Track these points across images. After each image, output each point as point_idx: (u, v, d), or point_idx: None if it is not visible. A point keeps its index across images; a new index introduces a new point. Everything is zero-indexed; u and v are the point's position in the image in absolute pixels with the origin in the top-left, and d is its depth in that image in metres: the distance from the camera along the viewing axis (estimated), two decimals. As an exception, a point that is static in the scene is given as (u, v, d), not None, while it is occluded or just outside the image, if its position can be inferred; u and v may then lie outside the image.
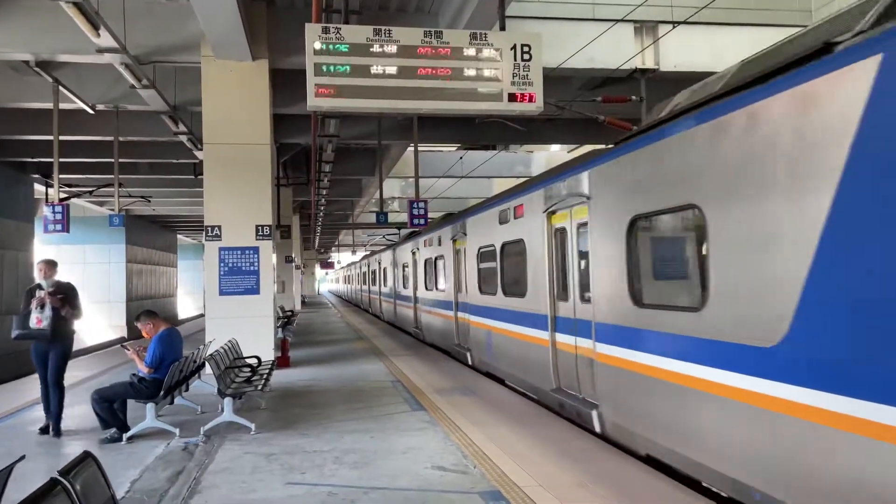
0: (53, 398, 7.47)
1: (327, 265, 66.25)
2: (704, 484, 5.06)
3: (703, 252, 4.87)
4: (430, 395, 9.27)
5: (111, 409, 7.06)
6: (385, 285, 25.28)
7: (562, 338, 7.83)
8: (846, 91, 3.64)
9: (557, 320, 7.97)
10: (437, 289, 15.24)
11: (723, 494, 4.85)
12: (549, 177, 8.31)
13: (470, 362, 12.23)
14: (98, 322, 33.27)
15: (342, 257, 67.15)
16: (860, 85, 3.55)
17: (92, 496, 3.19)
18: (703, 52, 12.80)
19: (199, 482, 5.57)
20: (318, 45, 5.53)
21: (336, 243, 56.57)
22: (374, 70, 5.60)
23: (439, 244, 14.69)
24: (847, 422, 3.58)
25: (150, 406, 7.11)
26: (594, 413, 6.78)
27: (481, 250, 11.32)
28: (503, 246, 10.04)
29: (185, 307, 52.13)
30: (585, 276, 7.07)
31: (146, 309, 8.09)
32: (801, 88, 3.97)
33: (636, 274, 5.96)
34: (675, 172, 5.20)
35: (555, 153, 26.20)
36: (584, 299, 7.14)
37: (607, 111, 13.13)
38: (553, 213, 8.07)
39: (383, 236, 50.59)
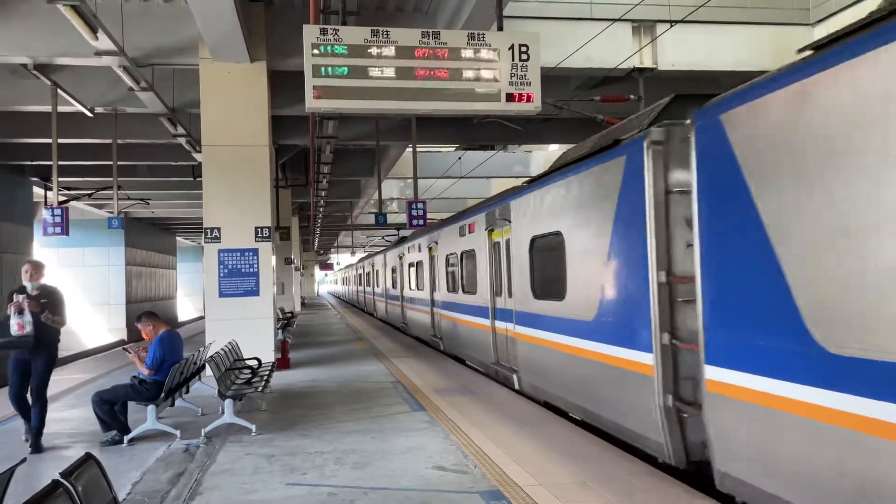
0: (34, 412, 6.86)
1: (326, 266, 66.23)
2: (572, 415, 7.65)
3: (564, 262, 7.39)
4: (430, 395, 9.28)
5: (112, 411, 7.06)
6: (378, 286, 27.45)
7: (499, 324, 10.26)
8: (612, 175, 6.15)
9: (497, 311, 10.37)
10: (418, 288, 17.40)
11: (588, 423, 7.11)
12: (491, 202, 10.80)
13: (442, 349, 14.52)
14: (97, 324, 33.28)
15: (341, 258, 67.12)
16: (618, 172, 6.01)
17: (93, 498, 3.20)
18: (701, 51, 12.82)
19: (200, 483, 5.58)
20: (316, 47, 5.54)
21: (335, 244, 56.55)
22: (372, 71, 5.61)
23: (419, 251, 16.93)
24: (613, 359, 6.28)
25: (150, 408, 7.11)
26: (514, 376, 9.37)
27: (448, 257, 13.64)
28: (462, 254, 12.46)
29: (185, 309, 52.11)
30: (510, 278, 9.60)
31: (147, 310, 8.07)
32: (593, 170, 6.64)
33: (534, 276, 8.53)
34: (549, 209, 7.91)
35: (553, 153, 26.20)
36: (510, 294, 9.57)
37: (606, 110, 13.14)
38: (492, 230, 10.53)
39: (382, 237, 50.63)
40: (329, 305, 46.47)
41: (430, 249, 15.52)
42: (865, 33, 3.52)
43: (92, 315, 33.38)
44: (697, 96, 5.44)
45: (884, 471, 3.33)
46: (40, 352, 6.91)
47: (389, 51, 5.64)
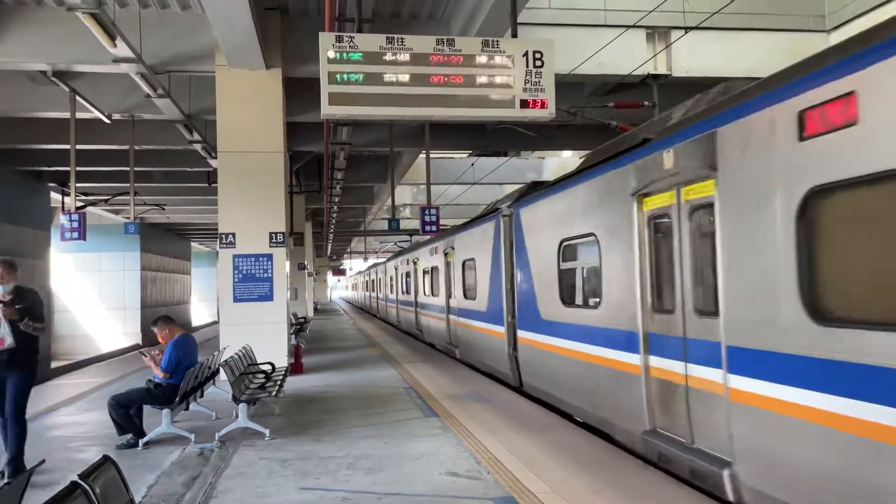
0: (11, 436, 5.92)
1: (339, 272, 66.40)
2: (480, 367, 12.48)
3: (475, 276, 12.04)
4: (443, 401, 9.28)
5: (127, 414, 7.11)
6: (381, 291, 32.44)
7: (451, 317, 14.89)
8: (490, 229, 11.44)
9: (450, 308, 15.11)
10: (407, 294, 21.88)
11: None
12: (446, 235, 15.31)
13: (424, 339, 18.56)
14: (113, 329, 33.53)
15: (354, 264, 67.29)
16: (491, 228, 11.40)
17: (111, 499, 3.24)
18: (715, 58, 12.77)
19: (214, 487, 5.61)
20: (331, 54, 5.58)
21: (348, 250, 56.71)
22: (387, 78, 5.65)
23: (407, 264, 21.81)
24: (492, 331, 11.15)
25: (165, 412, 7.17)
26: (457, 351, 14.00)
27: (425, 270, 18.22)
28: (431, 268, 16.94)
29: (199, 314, 52.41)
30: (457, 286, 13.99)
31: (162, 314, 8.13)
32: (480, 227, 12.08)
33: (464, 286, 13.47)
34: (474, 242, 12.36)
35: (567, 159, 26.18)
36: (465, 297, 13.40)
37: (619, 117, 13.12)
38: (447, 253, 15.08)
39: (395, 243, 50.69)
40: (342, 311, 46.57)
41: (415, 263, 19.80)
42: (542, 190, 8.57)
43: (107, 319, 33.64)
44: (544, 183, 9.94)
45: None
46: (17, 366, 5.97)
47: (404, 57, 5.67)
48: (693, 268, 5.27)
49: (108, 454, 6.58)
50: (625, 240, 6.20)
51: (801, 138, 4.00)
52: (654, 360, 5.80)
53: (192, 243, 48.48)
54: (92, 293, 33.73)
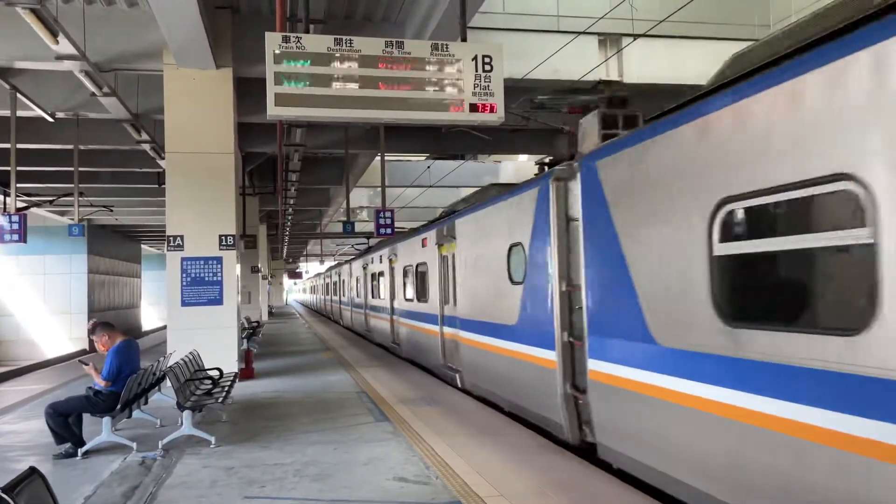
0: None
1: (295, 275, 65.64)
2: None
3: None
4: (395, 405, 9.23)
5: (66, 423, 6.88)
6: (334, 294, 33.40)
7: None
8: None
9: (369, 306, 18.72)
10: (358, 296, 23.18)
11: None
12: (364, 254, 18.22)
13: (374, 340, 19.72)
14: (58, 334, 32.53)
15: (310, 267, 66.65)
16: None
17: (36, 514, 3.11)
18: (665, 65, 13.02)
19: (154, 497, 5.46)
20: (278, 54, 5.50)
21: (304, 253, 56.12)
22: (334, 80, 5.59)
23: (357, 269, 23.61)
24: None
25: (106, 420, 6.95)
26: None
27: (371, 275, 20.14)
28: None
29: (150, 318, 51.21)
30: (379, 290, 17.39)
31: (101, 321, 7.87)
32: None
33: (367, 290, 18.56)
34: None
35: (523, 163, 26.37)
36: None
37: (572, 121, 13.26)
38: (364, 266, 18.53)
39: (352, 245, 50.36)
40: (297, 314, 46.01)
41: (364, 268, 21.47)
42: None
43: (53, 324, 32.63)
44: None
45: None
46: None
47: (353, 59, 5.62)
48: (447, 283, 11.12)
49: (45, 465, 6.37)
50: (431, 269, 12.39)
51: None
52: (446, 329, 11.37)
53: (143, 246, 47.40)
54: (36, 297, 32.67)
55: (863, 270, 3.36)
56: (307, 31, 6.27)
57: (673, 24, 11.98)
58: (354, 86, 5.62)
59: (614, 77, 12.89)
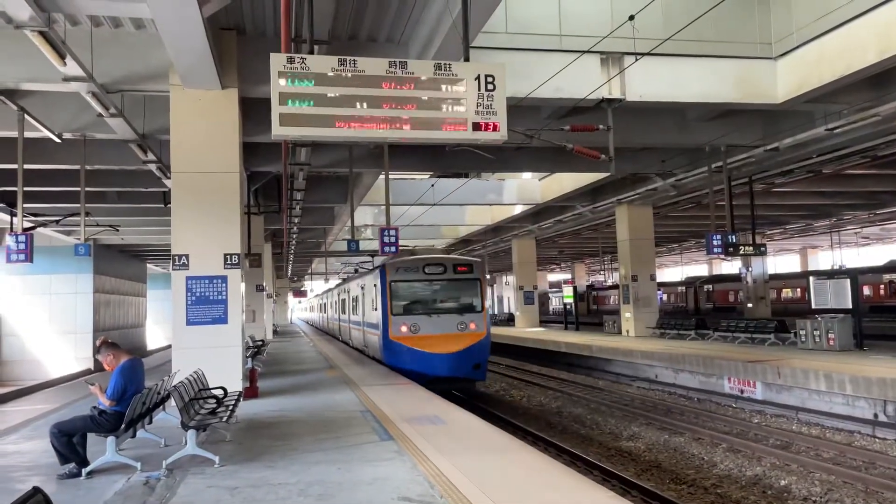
0: None
1: (300, 294, 65.70)
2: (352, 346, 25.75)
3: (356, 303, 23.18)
4: (400, 424, 9.19)
5: (70, 443, 6.87)
6: (329, 312, 40.49)
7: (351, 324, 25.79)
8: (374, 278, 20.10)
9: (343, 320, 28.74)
10: (341, 314, 29.98)
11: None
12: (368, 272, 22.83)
13: (350, 344, 26.33)
14: (64, 354, 32.51)
15: (315, 285, 66.70)
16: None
17: (39, 534, 3.10)
18: (667, 83, 13.06)
19: (158, 518, 5.43)
20: (282, 76, 5.56)
21: (309, 271, 56.18)
22: (338, 100, 5.63)
23: (333, 297, 34.44)
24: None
25: (110, 440, 6.94)
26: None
27: (342, 300, 28.85)
28: (338, 303, 29.78)
29: (155, 337, 51.21)
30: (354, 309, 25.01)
31: (106, 340, 7.87)
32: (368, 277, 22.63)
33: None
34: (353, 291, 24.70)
35: (527, 181, 26.45)
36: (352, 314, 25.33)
37: (576, 139, 13.31)
38: (338, 294, 31.10)
39: (357, 264, 50.40)
40: (302, 333, 45.95)
41: (339, 295, 31.79)
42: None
43: (58, 344, 32.62)
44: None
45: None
46: None
47: (356, 79, 5.68)
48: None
49: (49, 485, 6.35)
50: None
51: None
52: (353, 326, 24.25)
53: (149, 265, 47.50)
54: (42, 316, 32.70)
55: None
56: (311, 52, 6.34)
57: (675, 43, 12.06)
58: (358, 105, 5.67)
59: (616, 95, 12.93)
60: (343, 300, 28.42)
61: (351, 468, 6.82)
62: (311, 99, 5.59)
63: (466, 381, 17.08)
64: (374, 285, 18.28)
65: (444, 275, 17.24)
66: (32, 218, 21.53)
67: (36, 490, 3.28)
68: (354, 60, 5.71)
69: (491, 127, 5.89)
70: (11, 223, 21.51)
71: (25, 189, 13.15)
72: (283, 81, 5.56)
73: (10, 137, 13.27)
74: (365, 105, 5.69)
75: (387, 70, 5.74)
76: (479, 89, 5.88)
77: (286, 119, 5.52)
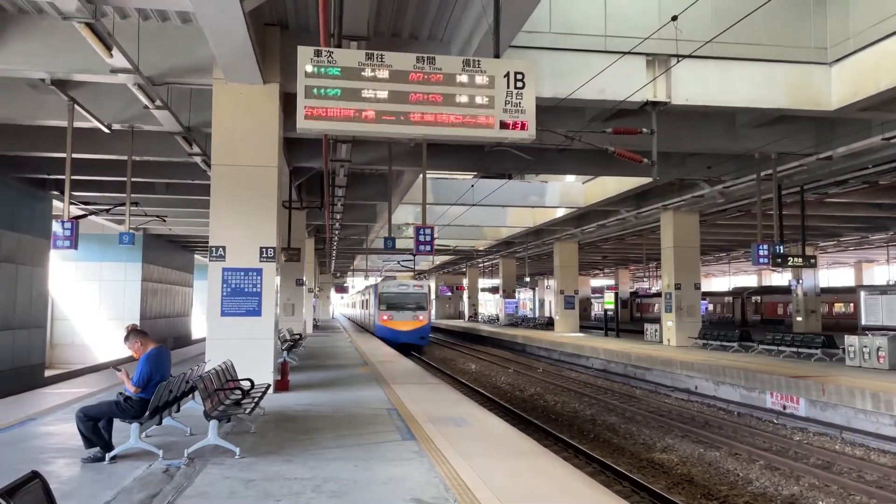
0: None
1: (342, 289, 66.36)
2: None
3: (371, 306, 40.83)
4: (424, 424, 9.10)
5: (95, 427, 6.98)
6: (357, 308, 56.01)
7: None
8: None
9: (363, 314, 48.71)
10: (362, 310, 48.43)
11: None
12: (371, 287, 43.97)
13: (364, 328, 44.54)
14: (111, 339, 33.47)
15: (356, 282, 67.31)
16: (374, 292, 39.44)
17: (33, 518, 3.10)
18: (715, 87, 12.68)
19: (171, 506, 5.46)
20: (309, 68, 5.53)
21: (351, 267, 56.69)
22: (364, 94, 5.58)
23: (359, 297, 55.99)
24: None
25: (134, 426, 7.04)
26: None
27: (364, 300, 48.56)
28: (363, 302, 49.04)
29: (201, 326, 52.31)
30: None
31: (134, 327, 7.98)
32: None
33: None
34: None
35: (570, 184, 26.11)
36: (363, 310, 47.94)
37: (618, 142, 13.04)
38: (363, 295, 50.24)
39: (398, 262, 50.65)
40: (342, 328, 46.37)
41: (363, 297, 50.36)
42: None
43: (106, 329, 33.59)
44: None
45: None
46: None
47: (383, 74, 5.62)
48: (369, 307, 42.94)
49: (74, 469, 6.45)
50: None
51: None
52: (365, 316, 44.05)
53: (196, 255, 48.54)
54: (92, 302, 33.74)
55: None
56: (338, 46, 6.29)
57: (723, 46, 11.70)
58: (384, 100, 5.60)
59: (662, 98, 12.61)
60: (363, 300, 48.68)
61: (369, 466, 6.76)
62: (338, 92, 5.54)
63: (417, 346, 32.90)
64: (373, 294, 35.73)
65: (407, 290, 33.72)
66: (83, 206, 22.18)
67: (35, 474, 3.29)
68: (382, 55, 5.64)
69: (519, 125, 5.75)
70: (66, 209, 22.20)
71: (76, 178, 13.50)
72: (309, 74, 5.53)
73: (62, 126, 13.65)
74: (391, 100, 5.62)
75: (414, 65, 5.66)
76: (508, 87, 5.74)
77: (311, 112, 5.49)
